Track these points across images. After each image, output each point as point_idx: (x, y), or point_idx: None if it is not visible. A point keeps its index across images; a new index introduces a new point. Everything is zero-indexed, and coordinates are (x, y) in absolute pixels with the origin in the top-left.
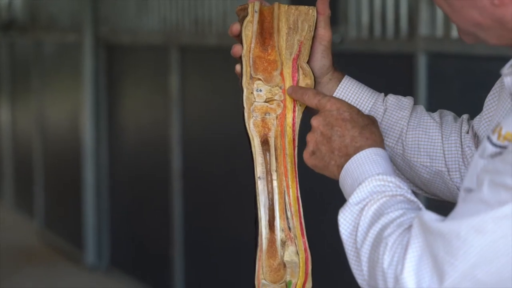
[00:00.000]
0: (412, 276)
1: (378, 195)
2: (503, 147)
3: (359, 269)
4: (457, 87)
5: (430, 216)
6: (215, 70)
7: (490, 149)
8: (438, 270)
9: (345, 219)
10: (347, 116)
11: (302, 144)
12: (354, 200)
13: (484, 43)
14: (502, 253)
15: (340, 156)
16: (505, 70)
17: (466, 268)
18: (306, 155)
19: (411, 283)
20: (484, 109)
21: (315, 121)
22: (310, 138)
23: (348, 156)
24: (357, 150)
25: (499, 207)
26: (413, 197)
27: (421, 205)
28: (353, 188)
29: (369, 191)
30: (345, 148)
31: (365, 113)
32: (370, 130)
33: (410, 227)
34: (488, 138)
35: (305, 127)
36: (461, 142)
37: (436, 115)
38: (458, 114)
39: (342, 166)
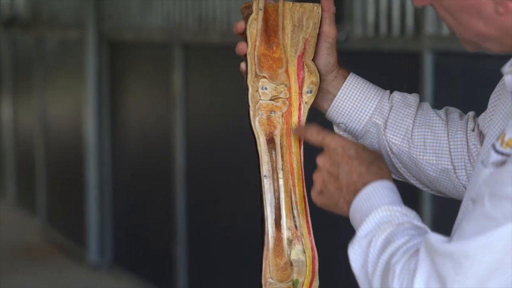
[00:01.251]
0: None
1: (385, 226)
2: (507, 155)
3: None
4: (463, 86)
5: (436, 238)
6: (219, 68)
7: (494, 156)
8: None
9: (355, 253)
10: (353, 153)
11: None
12: (362, 233)
13: (486, 51)
14: None
15: (349, 193)
16: (506, 68)
17: (477, 283)
18: (314, 194)
19: None
20: (488, 107)
21: (320, 160)
22: (317, 177)
23: (357, 192)
24: (365, 185)
25: (507, 223)
26: (420, 223)
27: (428, 230)
28: (362, 222)
29: (376, 223)
30: (353, 185)
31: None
32: (378, 166)
33: (417, 251)
34: (493, 145)
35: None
36: (467, 139)
37: (442, 112)
38: (464, 112)
39: (352, 203)
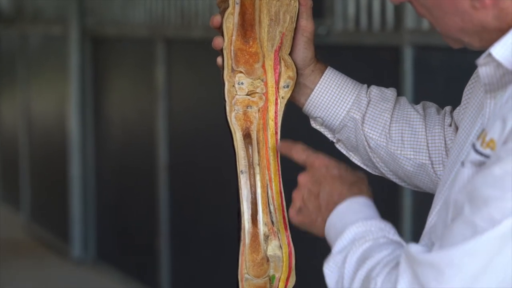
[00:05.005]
0: None
1: (361, 241)
2: (486, 156)
3: None
4: (443, 80)
5: (416, 249)
6: (201, 63)
7: (473, 156)
8: None
9: (330, 270)
10: (336, 173)
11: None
12: (336, 249)
13: (469, 47)
14: (500, 269)
15: (327, 212)
16: (481, 60)
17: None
18: (292, 212)
19: None
20: (462, 100)
21: (302, 178)
22: (297, 195)
23: None
24: None
25: (489, 229)
26: (396, 237)
27: (403, 243)
28: (336, 239)
29: (351, 238)
30: (333, 205)
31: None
32: (359, 188)
33: (397, 264)
34: (473, 145)
35: (288, 120)
36: (444, 135)
37: (419, 107)
38: (444, 106)
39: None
